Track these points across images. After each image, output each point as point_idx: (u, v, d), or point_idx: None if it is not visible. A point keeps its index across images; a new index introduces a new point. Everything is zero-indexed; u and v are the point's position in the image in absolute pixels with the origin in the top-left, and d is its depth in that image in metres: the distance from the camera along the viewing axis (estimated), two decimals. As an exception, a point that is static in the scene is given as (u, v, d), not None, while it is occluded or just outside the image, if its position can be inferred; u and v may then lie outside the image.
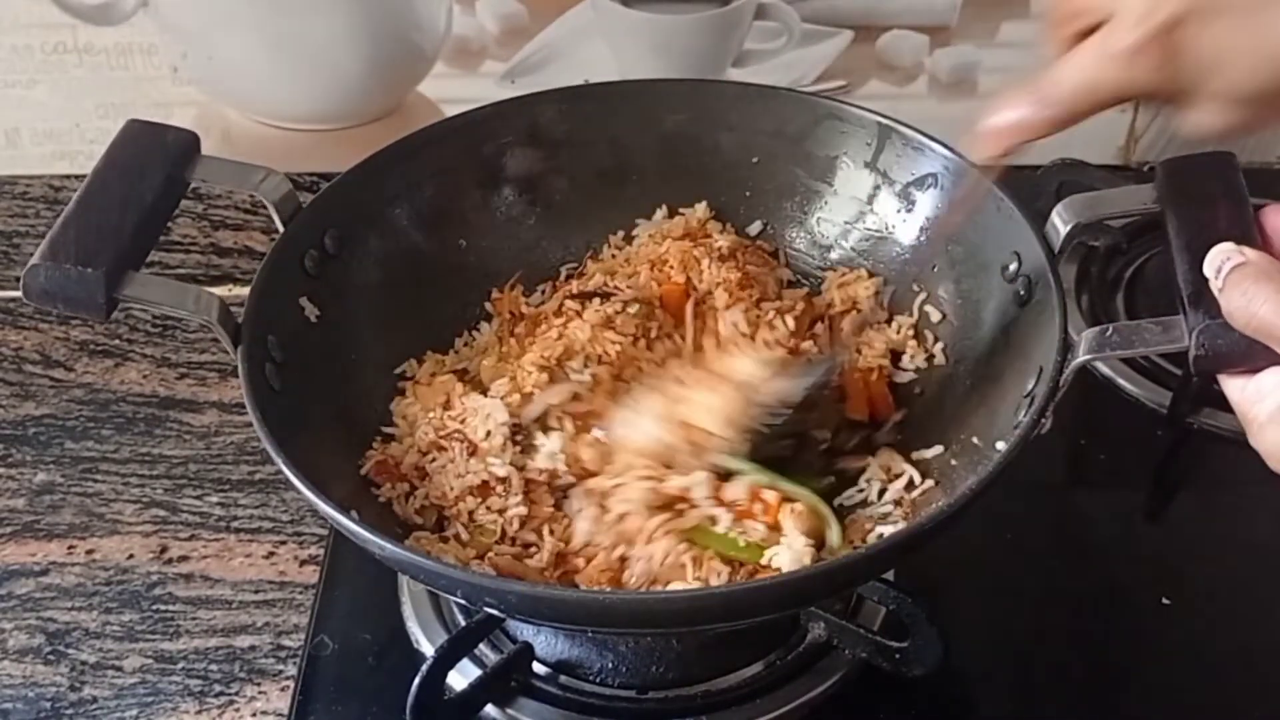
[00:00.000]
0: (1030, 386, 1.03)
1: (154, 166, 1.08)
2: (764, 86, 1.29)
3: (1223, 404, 1.28)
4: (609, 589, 1.04)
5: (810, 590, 0.97)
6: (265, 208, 1.11)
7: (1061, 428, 1.32)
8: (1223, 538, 1.21)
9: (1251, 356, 0.91)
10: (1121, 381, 1.36)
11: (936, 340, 1.20)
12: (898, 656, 1.06)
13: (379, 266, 1.20)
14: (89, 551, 1.25)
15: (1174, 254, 0.98)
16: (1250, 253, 0.92)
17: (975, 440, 1.09)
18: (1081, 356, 0.97)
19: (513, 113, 1.25)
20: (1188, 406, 1.31)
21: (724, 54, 1.55)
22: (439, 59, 1.54)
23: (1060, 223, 1.07)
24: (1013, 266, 1.11)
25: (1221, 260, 0.92)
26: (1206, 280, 0.93)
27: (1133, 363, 1.37)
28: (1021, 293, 1.10)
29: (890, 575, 1.08)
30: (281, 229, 1.11)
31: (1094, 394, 1.37)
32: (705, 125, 1.27)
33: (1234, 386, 0.93)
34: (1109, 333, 0.97)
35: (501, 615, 1.03)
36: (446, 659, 1.05)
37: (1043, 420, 0.99)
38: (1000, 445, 1.01)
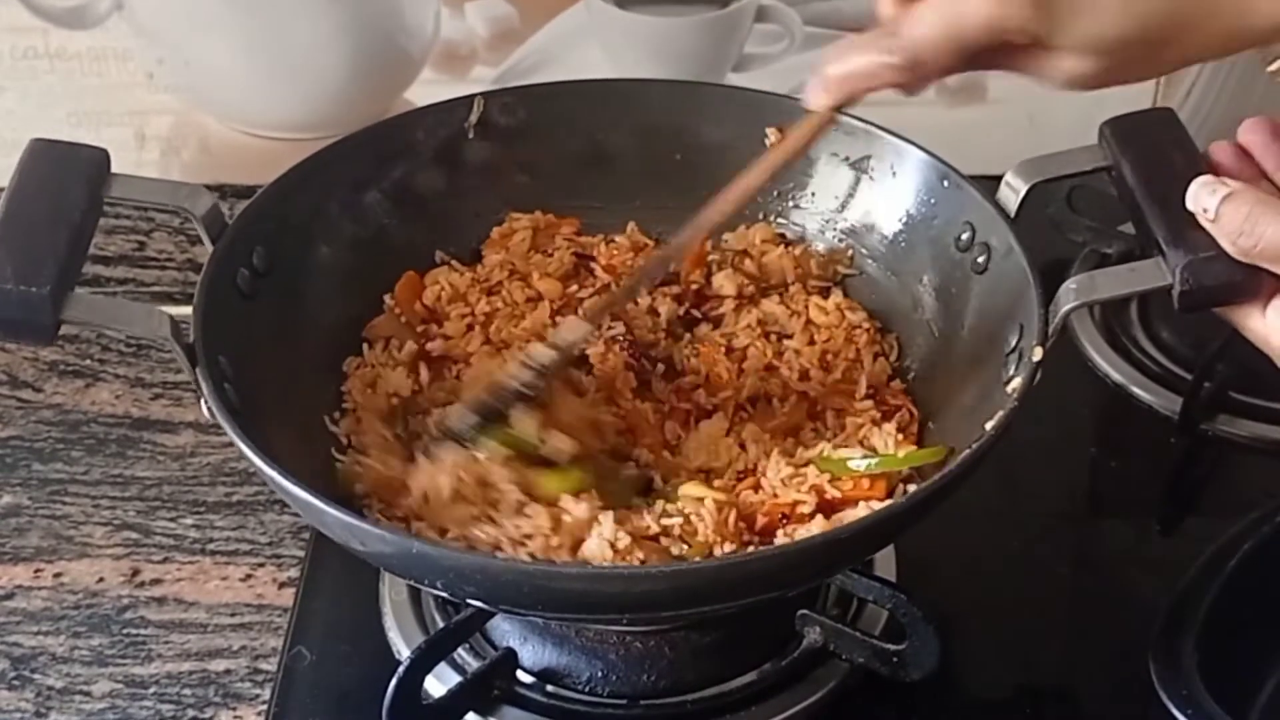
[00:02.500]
0: (1014, 342, 1.08)
1: (71, 185, 1.08)
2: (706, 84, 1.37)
3: (1236, 410, 1.34)
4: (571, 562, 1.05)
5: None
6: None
7: (1072, 435, 1.37)
8: (1236, 545, 1.23)
9: (1238, 289, 0.98)
10: (1134, 389, 1.38)
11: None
12: (895, 660, 1.08)
13: (321, 276, 1.22)
14: (56, 575, 1.26)
15: (1139, 202, 1.05)
16: (1234, 183, 0.97)
17: (962, 413, 1.12)
18: (1070, 303, 1.04)
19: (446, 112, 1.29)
20: (1200, 413, 1.34)
21: (723, 58, 1.57)
22: (426, 64, 1.57)
23: (1011, 190, 1.13)
24: (965, 236, 1.17)
25: (1207, 193, 0.97)
26: (1181, 220, 0.99)
27: (1144, 369, 1.40)
28: (980, 260, 1.15)
29: (891, 576, 1.10)
30: (210, 246, 1.13)
31: (1105, 401, 1.40)
32: (679, 122, 1.31)
33: (1252, 320, 0.98)
34: (1093, 278, 1.05)
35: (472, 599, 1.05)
36: (423, 662, 1.07)
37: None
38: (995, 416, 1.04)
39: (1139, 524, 1.31)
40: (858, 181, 1.26)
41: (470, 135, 1.29)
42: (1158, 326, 1.43)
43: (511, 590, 0.98)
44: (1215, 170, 1.01)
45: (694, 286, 1.27)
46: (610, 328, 1.21)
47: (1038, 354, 1.04)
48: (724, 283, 1.26)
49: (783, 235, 1.30)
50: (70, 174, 1.09)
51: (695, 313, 1.26)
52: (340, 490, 1.11)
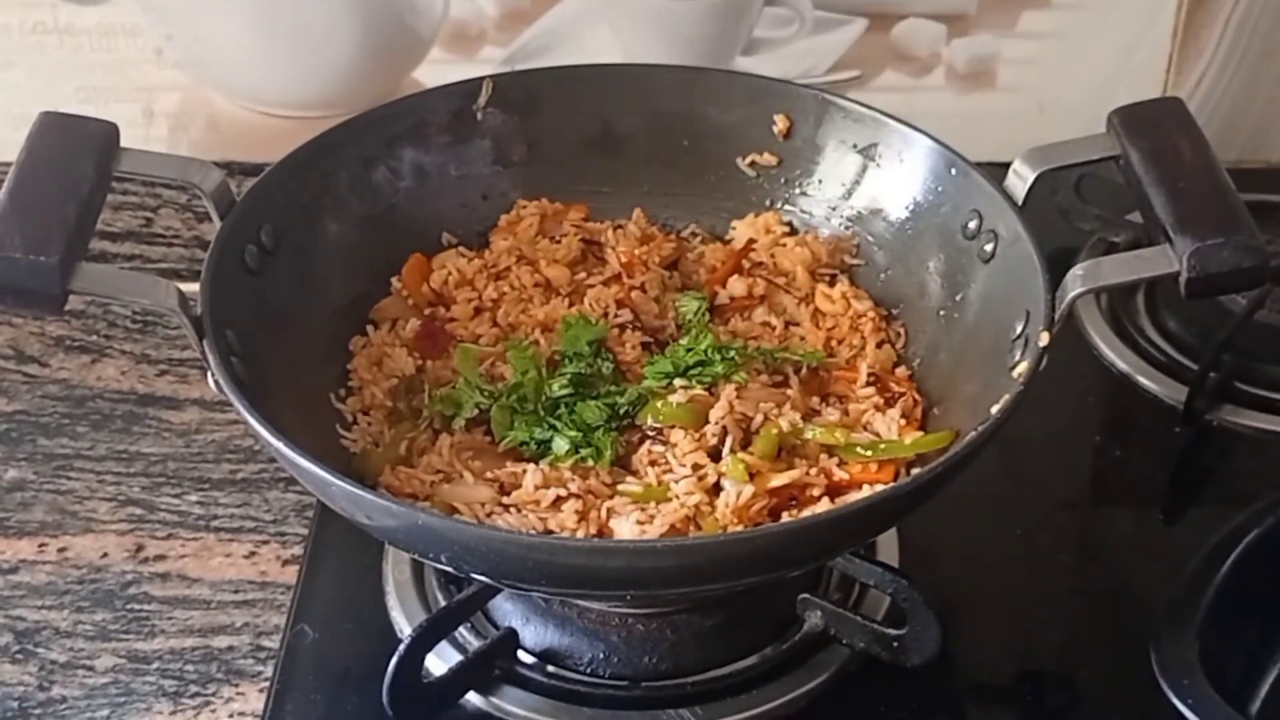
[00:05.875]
0: (1020, 329, 1.09)
1: (80, 157, 1.09)
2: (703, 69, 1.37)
3: (1241, 400, 1.35)
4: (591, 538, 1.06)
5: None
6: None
7: (1077, 424, 1.37)
8: (1239, 536, 1.23)
9: (1244, 275, 1.00)
10: (1139, 378, 1.39)
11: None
12: (895, 645, 1.09)
13: (328, 254, 1.23)
14: (61, 550, 1.27)
15: (1146, 190, 1.07)
16: None
17: (968, 400, 1.13)
18: (1077, 289, 1.05)
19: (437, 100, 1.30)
20: (1204, 403, 1.34)
21: (732, 41, 1.57)
22: (435, 44, 1.57)
23: (1019, 178, 1.15)
24: (973, 223, 1.18)
25: None
26: (1188, 208, 1.01)
27: (1150, 358, 1.40)
28: (987, 247, 1.16)
29: (894, 561, 1.11)
30: (218, 222, 1.14)
31: (1110, 390, 1.40)
32: (688, 107, 1.31)
33: None
34: (1100, 264, 1.07)
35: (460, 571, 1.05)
36: (424, 640, 1.08)
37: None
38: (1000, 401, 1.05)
39: (1142, 513, 1.32)
40: (865, 169, 1.27)
41: (479, 117, 1.30)
42: (1164, 315, 1.44)
43: (515, 564, 0.99)
44: None
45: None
46: (618, 315, 1.22)
47: (1044, 339, 1.04)
48: (735, 285, 1.27)
49: (789, 223, 1.30)
50: (79, 147, 1.10)
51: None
52: (348, 471, 1.11)
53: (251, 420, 1.01)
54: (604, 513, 1.08)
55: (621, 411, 1.14)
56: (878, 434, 1.14)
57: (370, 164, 1.26)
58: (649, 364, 1.17)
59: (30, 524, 1.29)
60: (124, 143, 1.13)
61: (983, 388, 1.10)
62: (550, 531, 1.07)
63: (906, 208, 1.24)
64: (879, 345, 1.22)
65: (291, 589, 1.22)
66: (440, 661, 1.12)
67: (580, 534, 1.06)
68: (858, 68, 1.59)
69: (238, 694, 1.16)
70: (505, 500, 1.09)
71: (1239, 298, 1.33)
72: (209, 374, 1.05)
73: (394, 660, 1.06)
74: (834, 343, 1.23)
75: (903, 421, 1.15)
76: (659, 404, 1.13)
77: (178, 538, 1.28)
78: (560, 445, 1.11)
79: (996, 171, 1.17)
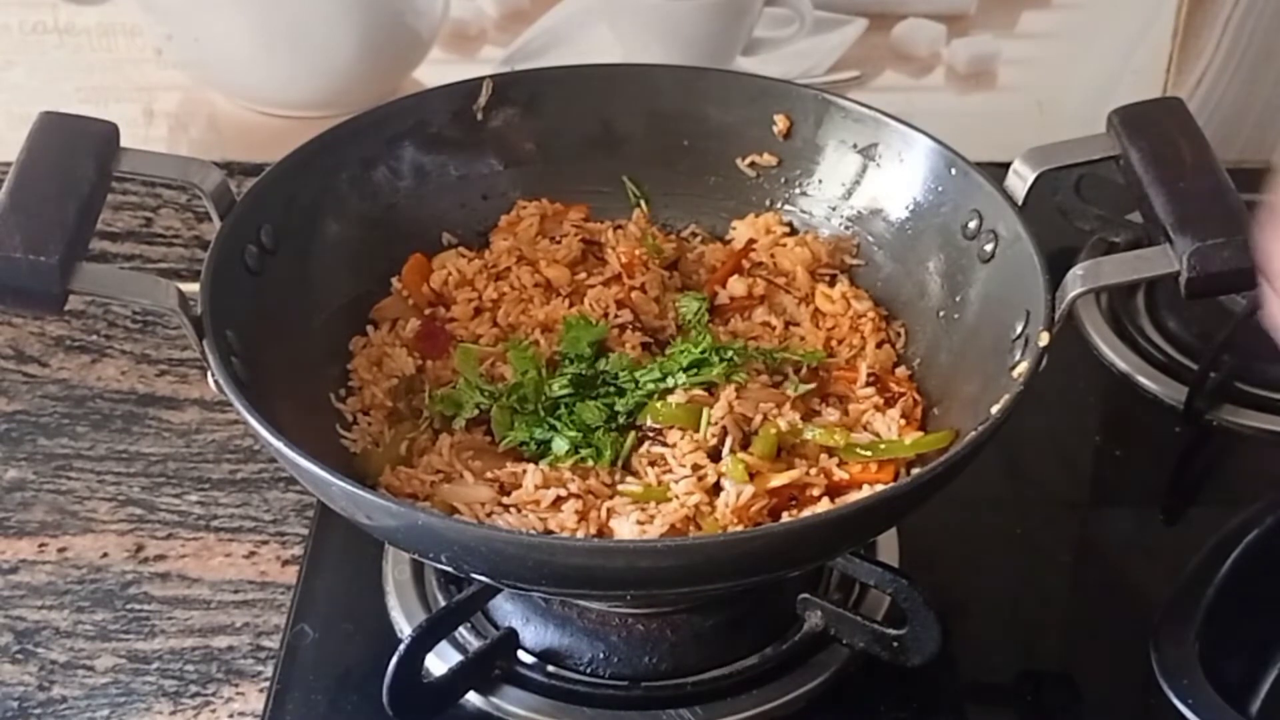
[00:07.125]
0: (1020, 329, 1.09)
1: (81, 157, 1.10)
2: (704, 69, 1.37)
3: (1241, 400, 1.35)
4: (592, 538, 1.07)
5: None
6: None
7: (1077, 424, 1.37)
8: (1239, 536, 1.23)
9: (1244, 276, 1.00)
10: (1139, 378, 1.39)
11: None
12: (895, 645, 1.09)
13: (328, 254, 1.23)
14: (61, 550, 1.27)
15: (1146, 190, 1.08)
16: None
17: (968, 400, 1.13)
18: (1077, 289, 1.06)
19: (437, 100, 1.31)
20: (1205, 403, 1.34)
21: (732, 41, 1.57)
22: (435, 44, 1.57)
23: (1019, 178, 1.15)
24: (973, 224, 1.18)
25: None
26: (1188, 207, 1.02)
27: (1150, 358, 1.40)
28: (987, 247, 1.16)
29: (894, 561, 1.11)
30: (218, 222, 1.14)
31: (1111, 390, 1.40)
32: (688, 107, 1.32)
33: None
34: (1100, 264, 1.07)
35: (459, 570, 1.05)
36: (424, 640, 1.08)
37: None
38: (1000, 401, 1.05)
39: (1142, 513, 1.32)
40: (865, 169, 1.27)
41: (479, 117, 1.30)
42: (1164, 315, 1.44)
43: (515, 564, 0.99)
44: None
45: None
46: (618, 315, 1.22)
47: (1044, 339, 1.05)
48: (735, 285, 1.27)
49: (789, 223, 1.31)
50: (79, 147, 1.10)
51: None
52: (349, 471, 1.12)
53: (251, 420, 1.01)
54: (604, 513, 1.08)
55: (621, 412, 1.14)
56: (878, 434, 1.14)
57: (370, 164, 1.26)
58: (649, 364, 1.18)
59: (30, 524, 1.29)
60: (124, 143, 1.13)
61: (983, 388, 1.10)
62: (550, 531, 1.07)
63: (906, 208, 1.25)
64: (879, 345, 1.22)
65: (291, 589, 1.22)
66: (440, 661, 1.12)
67: (580, 534, 1.06)
68: (858, 68, 1.59)
69: (238, 694, 1.16)
70: (505, 500, 1.09)
71: (1239, 298, 1.33)
72: (209, 374, 1.05)
73: (394, 660, 1.06)
74: (834, 343, 1.23)
75: (903, 421, 1.15)
76: (658, 404, 1.13)
77: (178, 538, 1.28)
78: (560, 445, 1.12)
79: (996, 171, 1.17)
